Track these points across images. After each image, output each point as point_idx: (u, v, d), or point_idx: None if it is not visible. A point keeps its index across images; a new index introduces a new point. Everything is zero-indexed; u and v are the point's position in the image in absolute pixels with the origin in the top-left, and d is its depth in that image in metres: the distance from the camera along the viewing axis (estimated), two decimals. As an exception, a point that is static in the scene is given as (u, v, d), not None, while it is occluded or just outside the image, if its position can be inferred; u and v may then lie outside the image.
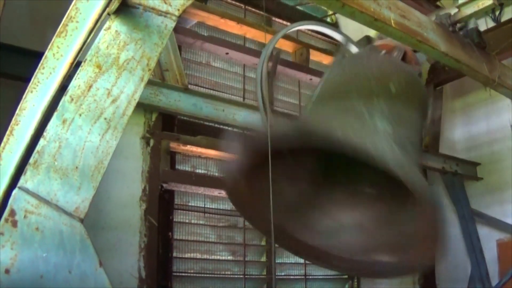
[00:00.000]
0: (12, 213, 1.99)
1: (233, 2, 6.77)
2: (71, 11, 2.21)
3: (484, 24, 6.33)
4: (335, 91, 3.73)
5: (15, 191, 2.01)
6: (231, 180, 3.32)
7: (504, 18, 6.71)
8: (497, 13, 6.60)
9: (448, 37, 4.08)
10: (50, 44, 2.17)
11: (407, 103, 3.72)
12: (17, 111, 2.10)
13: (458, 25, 4.28)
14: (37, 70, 2.15)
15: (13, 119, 2.09)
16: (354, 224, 3.47)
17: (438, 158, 7.14)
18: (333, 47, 7.27)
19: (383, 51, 4.33)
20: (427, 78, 7.02)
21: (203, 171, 5.87)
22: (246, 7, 6.89)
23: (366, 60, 3.99)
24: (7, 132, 2.07)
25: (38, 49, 4.09)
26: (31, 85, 2.13)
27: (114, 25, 2.30)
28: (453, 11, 4.33)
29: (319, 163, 3.52)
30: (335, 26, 6.91)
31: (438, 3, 7.43)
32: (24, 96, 2.12)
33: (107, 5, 2.22)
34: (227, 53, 6.01)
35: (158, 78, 4.91)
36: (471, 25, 4.40)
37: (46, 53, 2.16)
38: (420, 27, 3.79)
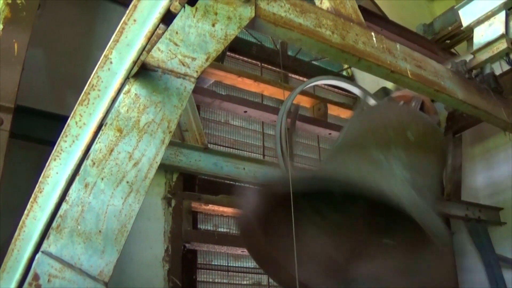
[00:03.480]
0: (36, 277, 1.99)
1: (250, 60, 6.83)
2: (92, 79, 2.24)
3: (499, 67, 6.34)
4: (354, 142, 3.74)
5: (38, 255, 2.02)
6: (248, 232, 3.32)
7: (519, 60, 6.72)
8: (511, 55, 6.61)
9: (465, 85, 4.08)
10: (73, 112, 2.20)
11: (426, 151, 3.72)
12: (40, 179, 2.12)
13: (474, 71, 4.29)
14: (59, 138, 2.17)
15: (37, 186, 2.10)
16: (371, 275, 3.44)
17: (460, 205, 7.05)
18: (350, 101, 7.31)
19: (401, 102, 4.36)
20: (446, 126, 6.99)
21: (225, 230, 5.84)
22: (263, 64, 6.95)
23: (383, 110, 4.01)
24: (31, 199, 2.09)
25: (57, 111, 4.17)
26: (54, 152, 2.15)
27: (134, 88, 2.32)
28: (469, 57, 4.35)
29: (336, 214, 3.52)
30: (351, 79, 6.95)
31: (452, 50, 7.47)
32: (47, 164, 2.14)
33: (128, 74, 2.25)
34: (245, 111, 6.04)
35: (177, 138, 4.93)
36: (487, 70, 4.42)
37: (68, 121, 2.19)
38: (436, 76, 3.80)
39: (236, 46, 6.46)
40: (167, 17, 2.24)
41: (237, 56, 6.71)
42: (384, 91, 4.96)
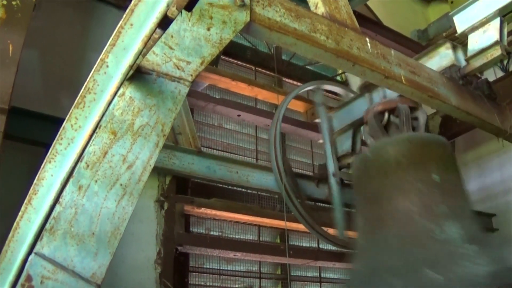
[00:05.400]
0: (29, 278, 1.99)
1: (244, 64, 6.84)
2: (88, 82, 2.24)
3: (493, 73, 6.34)
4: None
5: (31, 257, 2.02)
6: None
7: (513, 66, 6.75)
8: (505, 62, 6.62)
9: (458, 91, 4.09)
10: (68, 115, 2.20)
11: (451, 173, 3.75)
12: (35, 181, 2.12)
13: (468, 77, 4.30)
14: (55, 141, 2.17)
15: (31, 188, 2.10)
16: None
17: (453, 212, 7.07)
18: (344, 105, 7.31)
19: (386, 113, 4.37)
20: (439, 132, 7.01)
21: (217, 233, 5.84)
22: (257, 68, 6.96)
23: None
24: (25, 201, 2.09)
25: (51, 112, 4.17)
26: (49, 155, 2.15)
27: (128, 91, 2.32)
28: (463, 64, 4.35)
29: None
30: (345, 84, 6.97)
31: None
32: (42, 166, 2.14)
33: (124, 78, 2.25)
34: (239, 115, 6.05)
35: (171, 142, 4.93)
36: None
37: (64, 124, 2.19)
38: (430, 82, 3.81)
39: (231, 50, 6.47)
40: (164, 22, 2.24)
41: (231, 59, 6.72)
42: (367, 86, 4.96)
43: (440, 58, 4.46)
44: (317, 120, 5.61)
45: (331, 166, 5.18)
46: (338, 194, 5.08)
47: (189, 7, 2.37)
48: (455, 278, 3.12)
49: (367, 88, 4.91)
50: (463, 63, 4.37)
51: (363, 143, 5.01)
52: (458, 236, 3.42)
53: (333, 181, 5.14)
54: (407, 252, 3.43)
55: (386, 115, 4.35)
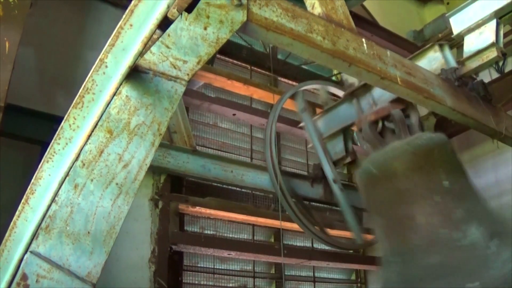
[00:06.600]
0: (24, 277, 1.99)
1: (239, 63, 6.83)
2: (87, 82, 2.24)
3: (488, 75, 6.34)
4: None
5: (26, 255, 2.01)
6: None
7: (508, 68, 6.74)
8: (500, 63, 6.62)
9: (454, 92, 4.09)
10: (66, 115, 2.20)
11: (458, 173, 3.73)
12: (32, 180, 2.11)
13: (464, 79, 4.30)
14: (53, 140, 2.16)
15: (29, 187, 2.10)
16: None
17: (448, 212, 7.08)
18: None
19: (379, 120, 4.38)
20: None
21: (212, 232, 5.84)
22: (252, 67, 6.95)
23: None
24: (22, 200, 2.08)
25: (47, 110, 4.16)
26: (47, 155, 2.15)
27: (125, 90, 2.32)
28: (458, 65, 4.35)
29: None
30: (340, 84, 6.96)
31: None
32: (40, 166, 2.13)
33: (123, 79, 2.25)
34: (234, 114, 6.06)
35: (166, 140, 4.93)
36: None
37: (62, 123, 2.18)
38: (426, 83, 3.81)
39: (226, 49, 6.46)
40: (164, 23, 2.24)
41: (227, 58, 6.71)
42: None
43: (429, 62, 4.46)
44: (301, 124, 5.56)
45: (330, 173, 5.15)
46: (345, 199, 5.07)
47: (189, 9, 2.37)
48: (490, 282, 3.13)
49: (353, 94, 4.91)
50: (453, 63, 4.37)
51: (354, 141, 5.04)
52: (481, 237, 3.41)
53: (336, 188, 5.11)
54: (437, 263, 3.43)
55: (380, 123, 4.36)
